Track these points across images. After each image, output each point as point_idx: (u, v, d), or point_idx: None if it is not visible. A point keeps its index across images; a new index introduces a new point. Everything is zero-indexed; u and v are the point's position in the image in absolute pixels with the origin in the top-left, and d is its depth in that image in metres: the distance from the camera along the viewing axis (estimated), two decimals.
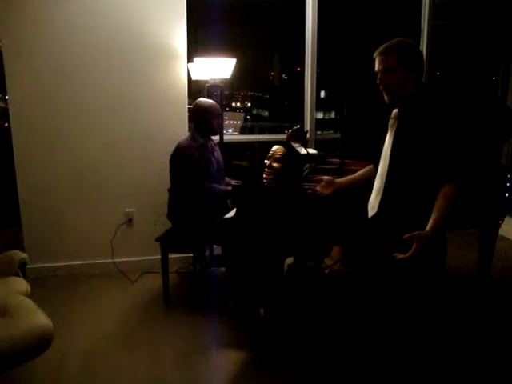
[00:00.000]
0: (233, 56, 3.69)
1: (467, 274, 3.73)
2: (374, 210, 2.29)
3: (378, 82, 2.22)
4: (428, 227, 2.01)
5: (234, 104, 7.82)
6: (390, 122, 2.30)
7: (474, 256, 3.32)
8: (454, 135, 2.12)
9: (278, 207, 2.59)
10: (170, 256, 3.35)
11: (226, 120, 5.25)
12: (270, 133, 5.46)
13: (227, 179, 3.58)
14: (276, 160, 2.76)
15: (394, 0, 4.59)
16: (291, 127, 3.16)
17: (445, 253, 2.29)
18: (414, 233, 1.98)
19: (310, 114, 4.36)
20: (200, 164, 3.22)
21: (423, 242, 1.97)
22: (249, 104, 8.03)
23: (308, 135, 4.21)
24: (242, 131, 5.02)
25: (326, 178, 2.59)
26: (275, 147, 2.81)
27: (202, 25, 4.84)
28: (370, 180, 2.48)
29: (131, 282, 3.67)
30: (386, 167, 2.24)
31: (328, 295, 3.45)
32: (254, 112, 7.99)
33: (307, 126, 4.35)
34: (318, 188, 2.55)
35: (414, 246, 1.98)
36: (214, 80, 3.67)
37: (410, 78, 2.19)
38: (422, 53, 2.27)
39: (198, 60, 3.63)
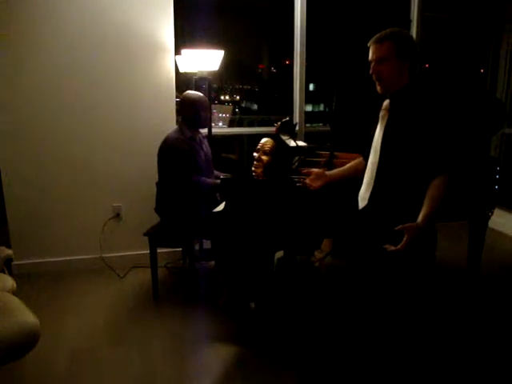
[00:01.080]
0: (221, 48, 3.65)
1: (457, 265, 3.73)
2: (365, 202, 2.28)
3: (370, 71, 2.20)
4: (419, 218, 2.01)
5: (222, 97, 7.77)
6: (381, 113, 2.27)
7: (464, 248, 3.32)
8: (445, 127, 2.10)
9: (267, 200, 2.55)
10: (159, 250, 3.31)
11: (214, 113, 5.20)
12: (259, 125, 5.42)
13: (216, 172, 3.54)
14: (265, 153, 2.73)
15: None
16: (280, 120, 3.13)
17: (435, 244, 2.28)
18: (406, 224, 1.97)
19: (299, 107, 4.32)
20: (188, 157, 3.17)
21: (414, 234, 1.97)
22: (238, 97, 7.99)
23: (297, 127, 4.18)
24: (231, 124, 4.96)
25: (315, 170, 2.56)
26: (264, 140, 2.78)
27: (190, 17, 4.78)
28: (360, 172, 2.46)
29: (120, 277, 3.63)
30: (377, 159, 2.22)
31: (318, 289, 3.43)
32: (243, 105, 7.95)
33: (296, 119, 4.32)
34: (308, 181, 2.53)
35: (405, 238, 1.97)
36: (202, 72, 3.62)
37: (404, 68, 2.17)
38: (416, 44, 2.25)
39: (186, 52, 3.57)
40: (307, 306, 3.13)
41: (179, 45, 3.83)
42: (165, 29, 3.62)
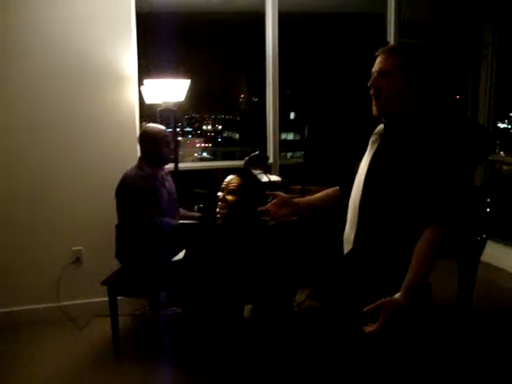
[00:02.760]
0: (188, 77, 3.33)
1: (447, 303, 3.36)
2: (350, 246, 1.89)
3: (369, 83, 1.84)
4: (401, 291, 1.61)
5: (205, 127, 7.54)
6: (372, 139, 1.91)
7: (453, 281, 2.97)
8: (443, 169, 1.74)
9: (231, 246, 2.20)
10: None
11: (188, 145, 4.86)
12: (240, 157, 5.09)
13: (182, 211, 3.18)
14: (230, 192, 2.37)
15: (358, 17, 4.30)
16: (250, 153, 2.81)
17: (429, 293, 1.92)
18: (382, 300, 1.58)
19: (273, 138, 3.94)
20: (149, 196, 2.80)
21: (392, 313, 1.57)
22: (220, 127, 7.76)
23: (271, 160, 3.85)
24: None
25: (282, 194, 2.13)
26: (229, 178, 2.42)
27: (162, 47, 4.48)
28: (332, 200, 2.13)
29: (79, 329, 3.20)
30: (360, 193, 1.85)
31: (298, 336, 3.05)
32: (225, 135, 7.72)
33: (270, 151, 3.95)
34: (271, 206, 2.08)
35: (380, 318, 1.57)
36: (167, 103, 3.29)
37: (408, 93, 1.81)
38: (431, 72, 1.93)
39: (149, 82, 3.26)
40: (285, 355, 2.75)
41: (145, 75, 3.51)
42: (126, 58, 3.29)
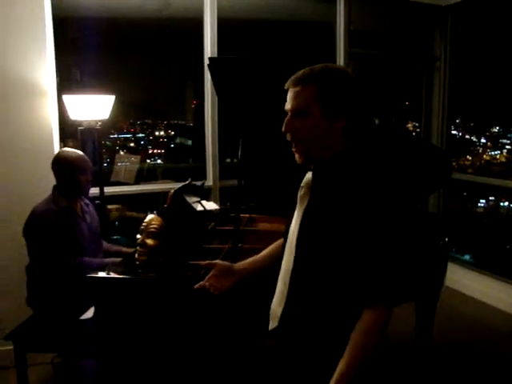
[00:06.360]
0: (111, 92, 2.88)
1: (404, 338, 3.03)
2: (275, 323, 1.49)
3: (283, 128, 1.40)
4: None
5: (157, 133, 7.31)
6: (301, 193, 1.48)
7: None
8: (388, 231, 1.32)
9: (150, 306, 1.77)
10: None
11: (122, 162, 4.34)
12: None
13: (107, 245, 2.73)
14: (150, 235, 1.93)
15: (306, 25, 3.95)
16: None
17: None
18: None
19: (212, 152, 3.55)
20: (61, 233, 2.33)
21: None
22: (172, 132, 7.51)
23: (211, 183, 3.43)
24: (138, 178, 4.00)
25: (220, 264, 1.66)
26: (149, 218, 1.97)
27: (94, 57, 4.00)
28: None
29: None
30: (291, 261, 1.44)
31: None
32: (178, 141, 7.46)
33: (209, 167, 3.56)
34: (209, 282, 1.61)
35: None
36: (89, 122, 2.82)
37: (336, 127, 1.38)
38: (359, 87, 1.42)
39: (68, 98, 2.78)
40: None
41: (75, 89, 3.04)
42: (39, 70, 2.78)
